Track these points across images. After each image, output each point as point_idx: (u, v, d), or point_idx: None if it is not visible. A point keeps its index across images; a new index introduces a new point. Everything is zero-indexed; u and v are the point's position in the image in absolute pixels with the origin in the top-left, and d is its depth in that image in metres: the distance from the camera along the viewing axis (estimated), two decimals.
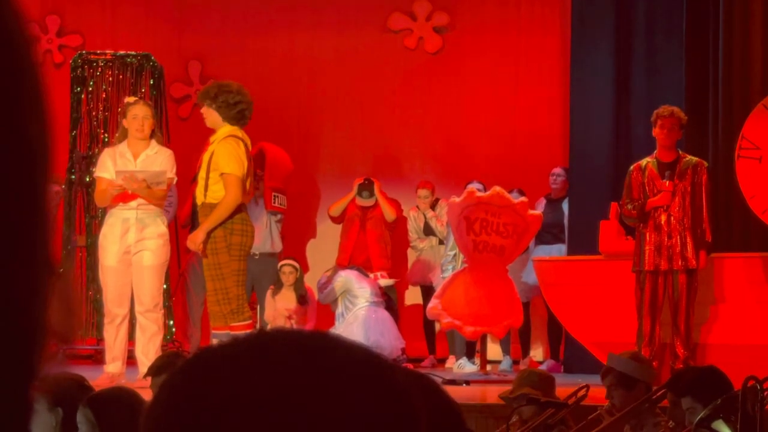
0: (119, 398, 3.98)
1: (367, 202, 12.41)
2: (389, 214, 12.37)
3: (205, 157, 8.80)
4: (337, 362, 0.98)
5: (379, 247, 12.28)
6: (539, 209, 11.35)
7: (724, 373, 5.75)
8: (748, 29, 10.64)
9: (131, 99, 9.78)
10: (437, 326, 11.72)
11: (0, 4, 0.71)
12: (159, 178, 8.99)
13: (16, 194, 0.70)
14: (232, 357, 0.98)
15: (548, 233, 11.57)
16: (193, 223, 10.73)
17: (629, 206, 9.52)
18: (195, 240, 8.69)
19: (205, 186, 8.72)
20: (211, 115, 8.81)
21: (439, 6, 13.77)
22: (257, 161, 11.06)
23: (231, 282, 8.70)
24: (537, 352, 12.41)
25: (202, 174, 8.78)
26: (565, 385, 8.29)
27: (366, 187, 12.41)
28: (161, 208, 9.24)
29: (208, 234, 8.66)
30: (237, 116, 8.76)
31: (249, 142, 8.90)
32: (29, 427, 0.72)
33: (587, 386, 6.42)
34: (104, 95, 12.06)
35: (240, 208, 8.74)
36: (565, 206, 11.70)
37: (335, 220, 12.66)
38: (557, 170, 11.99)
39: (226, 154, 8.65)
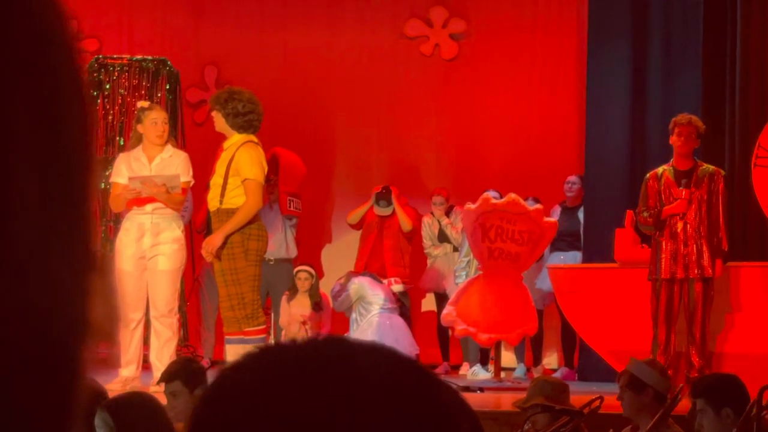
0: (138, 402, 3.98)
1: (385, 212, 12.37)
2: (405, 224, 12.31)
3: (221, 163, 8.79)
4: (385, 376, 0.96)
5: (394, 256, 12.25)
6: (554, 217, 11.33)
7: (743, 384, 5.74)
8: (766, 37, 10.62)
9: (145, 104, 9.78)
10: (451, 333, 11.71)
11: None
12: (174, 182, 8.99)
13: (55, 188, 0.69)
14: (275, 368, 0.96)
15: (563, 241, 11.55)
16: (208, 229, 10.74)
17: (645, 214, 9.50)
18: (213, 244, 8.65)
19: (221, 192, 8.71)
20: (219, 120, 8.81)
21: (455, 13, 13.76)
22: (271, 166, 11.05)
23: (247, 287, 8.69)
24: (551, 360, 12.38)
25: (217, 180, 8.76)
26: (579, 393, 8.27)
27: (383, 197, 12.37)
28: (178, 213, 9.24)
29: (226, 239, 8.65)
30: (244, 125, 8.73)
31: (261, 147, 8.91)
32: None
33: (601, 397, 6.42)
34: (120, 100, 12.08)
35: (256, 215, 8.74)
36: (580, 214, 11.67)
37: (354, 226, 12.65)
38: (572, 178, 11.96)
39: (248, 160, 8.64)
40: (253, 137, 8.79)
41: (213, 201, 8.80)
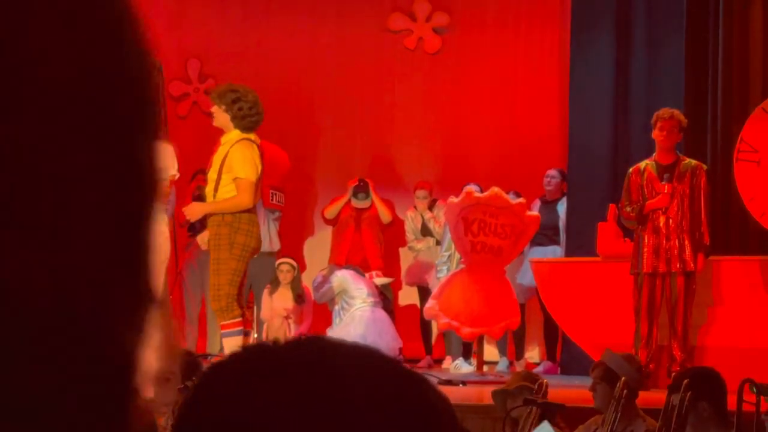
0: None
1: (363, 204, 12.41)
2: (385, 215, 12.37)
3: (217, 158, 8.83)
4: (367, 377, 0.95)
5: (376, 248, 12.29)
6: (534, 211, 11.34)
7: (721, 377, 5.76)
8: (748, 32, 10.64)
9: None
10: (434, 327, 11.72)
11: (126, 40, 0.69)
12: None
13: (122, 220, 0.67)
14: (256, 371, 0.95)
15: (542, 235, 11.53)
16: (193, 222, 10.70)
17: (628, 208, 9.52)
18: (193, 210, 8.95)
19: (215, 186, 8.77)
20: (222, 118, 8.86)
21: (438, 6, 13.76)
22: None
23: (225, 280, 8.71)
24: (533, 353, 12.40)
25: (212, 175, 8.84)
26: (561, 387, 8.30)
27: (361, 189, 12.41)
28: (162, 206, 9.26)
29: (206, 217, 8.75)
30: (248, 125, 8.84)
31: (259, 145, 8.96)
32: None
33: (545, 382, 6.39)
34: None
35: (249, 210, 8.79)
36: (559, 208, 11.67)
37: (329, 222, 12.66)
38: (551, 172, 11.96)
39: (241, 158, 8.70)
40: (250, 135, 8.85)
41: (208, 195, 8.96)
